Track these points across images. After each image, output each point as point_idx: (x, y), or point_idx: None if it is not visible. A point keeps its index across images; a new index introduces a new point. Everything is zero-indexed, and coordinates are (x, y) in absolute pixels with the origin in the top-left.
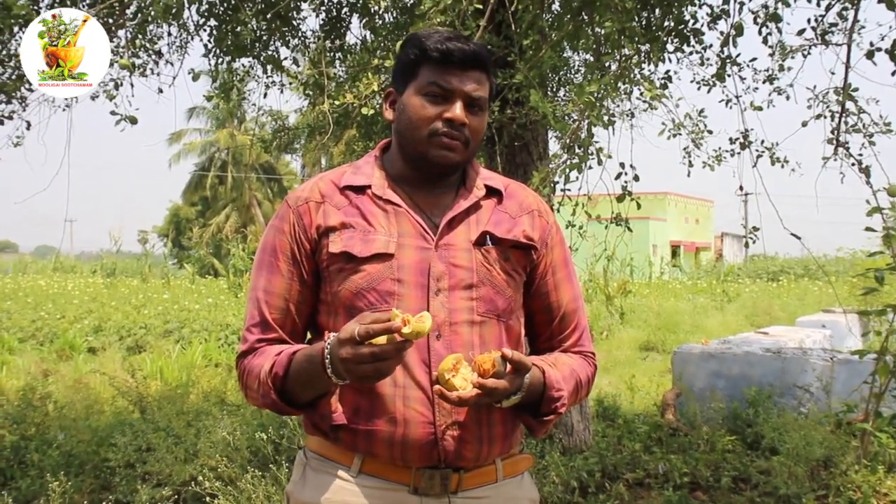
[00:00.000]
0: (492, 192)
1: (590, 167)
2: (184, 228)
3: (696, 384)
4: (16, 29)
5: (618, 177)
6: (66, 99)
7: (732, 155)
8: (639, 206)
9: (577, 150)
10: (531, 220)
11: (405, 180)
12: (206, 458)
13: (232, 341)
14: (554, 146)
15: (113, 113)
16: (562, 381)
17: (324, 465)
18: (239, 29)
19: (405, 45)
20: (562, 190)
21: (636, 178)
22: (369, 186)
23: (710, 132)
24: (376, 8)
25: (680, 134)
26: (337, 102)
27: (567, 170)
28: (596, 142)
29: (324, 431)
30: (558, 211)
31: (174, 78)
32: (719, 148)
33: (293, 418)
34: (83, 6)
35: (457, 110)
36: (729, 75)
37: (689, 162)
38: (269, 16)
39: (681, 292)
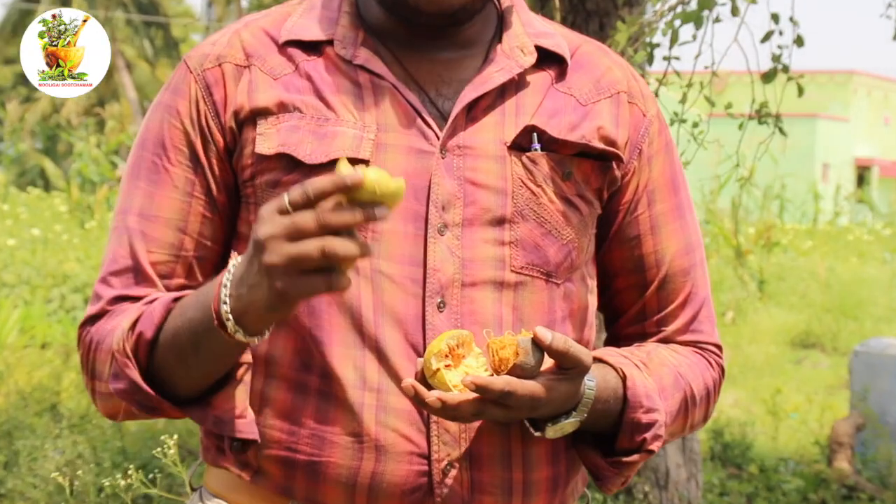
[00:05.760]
0: (547, 59)
1: (717, 19)
2: None
3: (892, 410)
4: None
5: (766, 38)
6: None
7: None
8: (801, 92)
9: None
10: (615, 110)
11: (391, 35)
12: None
13: (73, 305)
14: None
15: None
16: (656, 395)
17: None
18: None
19: None
20: (664, 59)
21: (799, 42)
22: (331, 42)
23: None
24: None
25: None
26: None
27: (676, 23)
28: None
29: (241, 460)
30: (656, 95)
31: None
32: None
33: (184, 431)
34: None
35: None
36: None
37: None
38: None
39: (870, 248)
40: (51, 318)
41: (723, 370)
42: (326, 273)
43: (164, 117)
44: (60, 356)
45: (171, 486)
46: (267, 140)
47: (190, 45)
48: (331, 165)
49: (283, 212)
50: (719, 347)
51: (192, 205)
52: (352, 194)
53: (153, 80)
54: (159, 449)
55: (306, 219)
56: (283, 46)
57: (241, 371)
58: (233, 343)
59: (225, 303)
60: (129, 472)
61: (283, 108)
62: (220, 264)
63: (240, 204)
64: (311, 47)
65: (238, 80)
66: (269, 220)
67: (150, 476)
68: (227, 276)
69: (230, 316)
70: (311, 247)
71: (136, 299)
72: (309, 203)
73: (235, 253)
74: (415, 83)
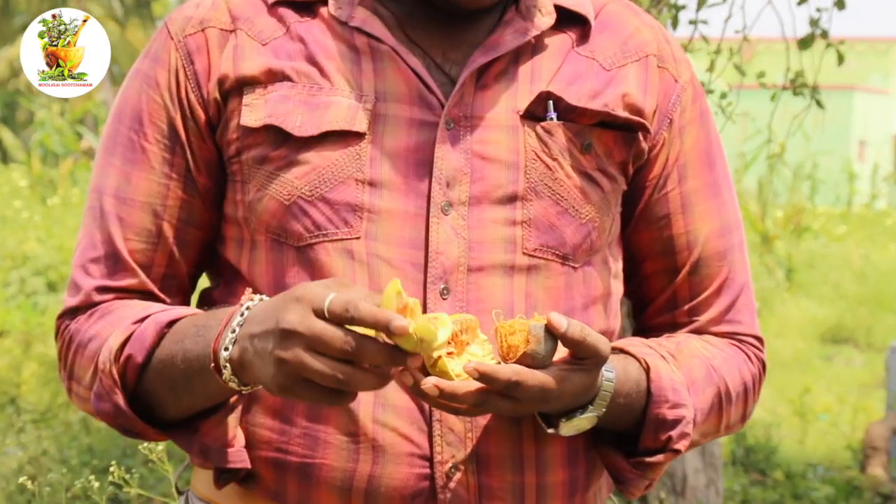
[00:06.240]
0: (568, 19)
1: None
2: None
3: None
4: None
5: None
6: None
7: None
8: (841, 60)
9: None
10: (643, 75)
11: None
12: None
13: (34, 289)
14: None
15: None
16: (684, 390)
17: None
18: None
19: None
20: (691, 23)
21: (839, 5)
22: (325, 2)
23: None
24: None
25: None
26: None
27: None
28: None
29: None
30: None
31: None
32: None
33: None
34: None
35: None
36: None
37: None
38: None
39: None
40: (9, 304)
41: (763, 365)
42: (334, 392)
43: (142, 88)
44: (20, 345)
45: (142, 486)
46: (253, 111)
47: (164, 3)
48: (323, 139)
49: (318, 313)
50: (760, 340)
51: (170, 187)
52: (391, 336)
53: (123, 41)
54: (145, 445)
55: (335, 337)
56: (273, 7)
57: (233, 398)
58: (226, 388)
59: (227, 349)
60: (111, 468)
61: (271, 76)
62: (207, 250)
63: (226, 183)
64: (304, 7)
65: (223, 47)
66: (300, 313)
67: (122, 477)
68: (237, 321)
69: (228, 364)
70: (327, 368)
71: (118, 290)
72: (346, 321)
73: (249, 290)
74: (418, 47)
